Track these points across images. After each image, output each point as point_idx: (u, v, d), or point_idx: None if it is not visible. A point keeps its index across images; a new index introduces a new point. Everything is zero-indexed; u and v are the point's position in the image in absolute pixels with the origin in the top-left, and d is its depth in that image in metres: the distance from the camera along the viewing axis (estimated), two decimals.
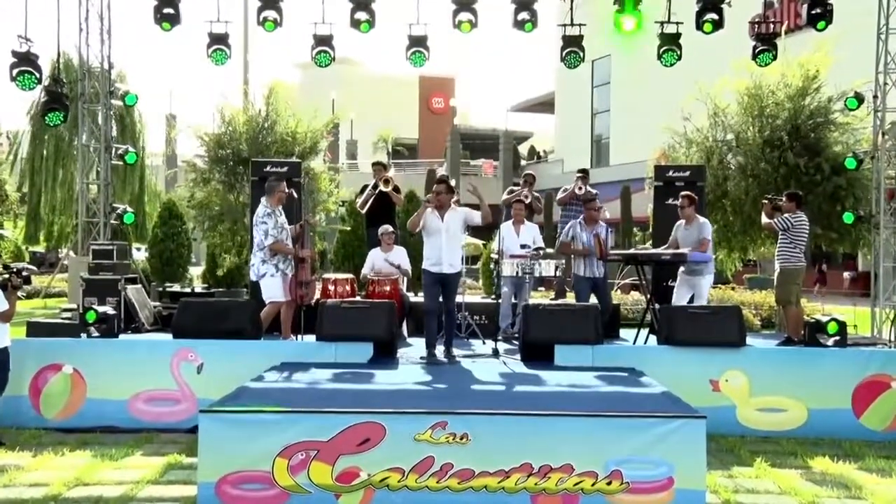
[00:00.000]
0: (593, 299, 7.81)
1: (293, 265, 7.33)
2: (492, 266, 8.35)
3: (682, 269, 7.67)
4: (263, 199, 7.25)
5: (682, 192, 7.93)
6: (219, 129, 11.16)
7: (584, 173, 9.49)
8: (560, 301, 8.81)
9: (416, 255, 11.67)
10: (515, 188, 9.31)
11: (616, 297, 10.14)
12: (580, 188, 9.25)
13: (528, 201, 8.94)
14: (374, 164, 9.49)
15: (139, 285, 9.73)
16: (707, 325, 6.41)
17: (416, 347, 7.84)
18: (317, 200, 9.34)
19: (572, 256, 8.14)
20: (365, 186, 9.35)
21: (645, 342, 7.42)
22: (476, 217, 6.86)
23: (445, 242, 6.79)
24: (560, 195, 9.54)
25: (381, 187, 8.95)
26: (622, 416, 4.43)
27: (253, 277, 7.37)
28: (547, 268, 7.82)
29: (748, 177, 10.54)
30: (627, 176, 24.88)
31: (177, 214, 12.94)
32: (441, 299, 6.86)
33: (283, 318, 7.41)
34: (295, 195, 7.57)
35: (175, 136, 13.02)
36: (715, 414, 5.73)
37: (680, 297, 7.65)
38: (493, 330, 7.82)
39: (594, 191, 9.70)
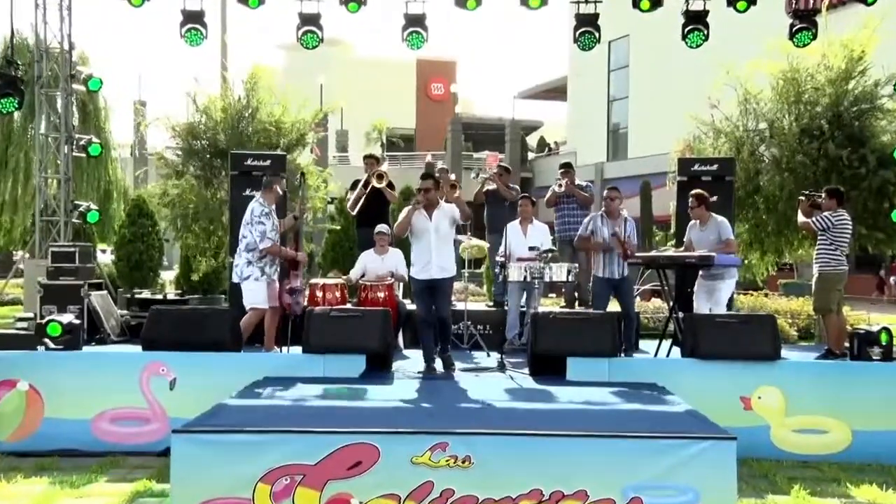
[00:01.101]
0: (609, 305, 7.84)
1: (280, 271, 7.36)
2: (497, 270, 8.37)
3: (700, 273, 7.68)
4: (259, 196, 7.30)
5: (693, 191, 7.93)
6: (193, 118, 11.17)
7: (565, 167, 9.55)
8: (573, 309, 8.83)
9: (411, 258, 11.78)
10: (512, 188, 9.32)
11: (635, 304, 10.13)
12: (560, 185, 9.31)
13: (493, 187, 9.00)
14: (366, 158, 9.52)
15: (104, 292, 9.75)
16: (737, 335, 6.41)
17: (413, 360, 7.84)
18: (304, 197, 9.31)
19: (591, 256, 8.14)
20: (356, 182, 9.37)
21: (667, 355, 7.42)
22: (458, 214, 6.81)
23: (435, 244, 6.75)
24: (547, 195, 9.59)
25: (374, 183, 8.97)
26: (642, 436, 4.43)
27: (235, 279, 7.40)
28: (559, 272, 7.83)
29: (783, 170, 10.54)
30: (647, 170, 24.91)
31: (147, 213, 12.97)
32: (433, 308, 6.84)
33: (267, 328, 7.43)
34: (280, 192, 7.61)
35: (145, 125, 13.00)
36: (746, 435, 5.71)
37: (700, 305, 7.66)
38: (499, 341, 7.86)
39: (584, 182, 9.73)
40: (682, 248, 7.91)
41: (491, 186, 9.39)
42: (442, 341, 6.92)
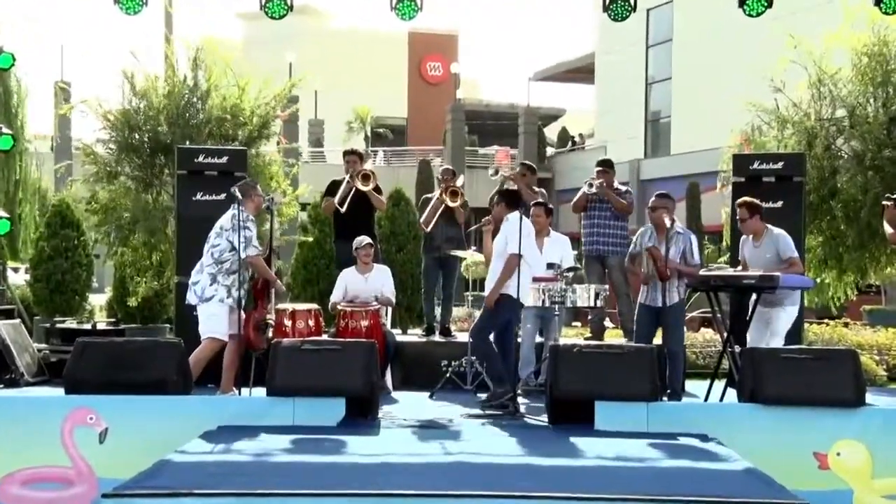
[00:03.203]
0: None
1: (245, 296, 7.40)
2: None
3: (753, 297, 7.69)
4: (240, 206, 7.41)
5: (740, 200, 7.95)
6: (130, 104, 11.17)
7: (604, 166, 9.62)
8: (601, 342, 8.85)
9: (403, 277, 11.85)
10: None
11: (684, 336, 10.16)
12: (590, 184, 9.36)
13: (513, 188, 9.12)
14: (346, 154, 9.57)
15: (17, 321, 9.74)
16: (810, 375, 6.42)
17: (404, 404, 7.85)
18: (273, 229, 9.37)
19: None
20: (334, 184, 9.42)
21: (721, 399, 7.41)
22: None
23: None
24: (575, 198, 9.64)
25: (359, 185, 9.02)
26: (690, 501, 4.43)
27: (192, 300, 7.45)
28: (584, 295, 7.85)
29: (867, 169, 10.59)
30: (695, 169, 24.97)
31: (71, 221, 12.97)
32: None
33: (225, 365, 7.46)
34: (262, 199, 7.73)
35: (68, 112, 13.02)
36: (823, 501, 5.72)
37: (753, 337, 7.67)
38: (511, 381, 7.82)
39: (623, 187, 9.77)
40: (738, 269, 7.92)
41: (511, 185, 9.36)
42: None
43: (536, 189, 9.58)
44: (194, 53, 11.27)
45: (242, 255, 7.26)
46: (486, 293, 7.53)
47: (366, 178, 9.04)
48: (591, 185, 9.37)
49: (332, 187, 9.41)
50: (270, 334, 7.65)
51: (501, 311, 7.37)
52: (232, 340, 7.39)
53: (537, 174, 9.99)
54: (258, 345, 7.48)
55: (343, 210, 9.09)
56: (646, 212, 8.08)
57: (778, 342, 7.60)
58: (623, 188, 9.70)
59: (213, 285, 7.27)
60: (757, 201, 7.90)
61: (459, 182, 9.70)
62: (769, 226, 7.82)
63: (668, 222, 7.67)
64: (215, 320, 7.28)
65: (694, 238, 7.83)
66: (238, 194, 7.40)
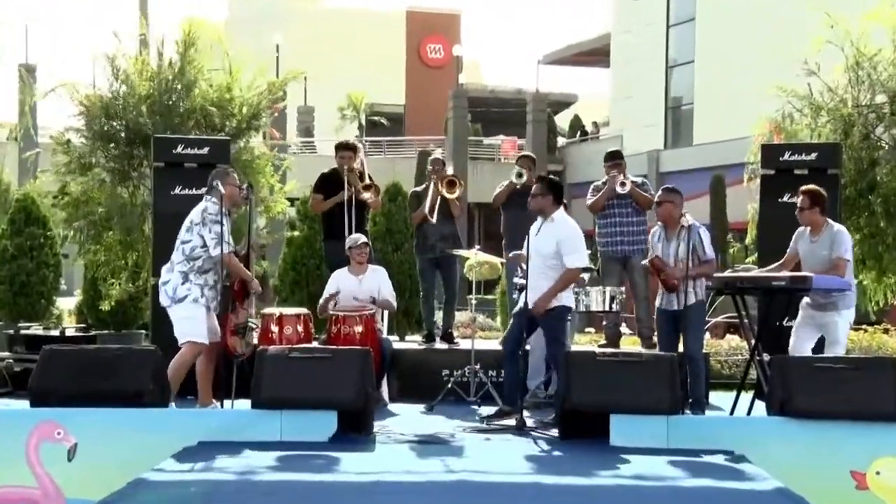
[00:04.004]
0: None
1: (222, 298, 7.39)
2: (514, 296, 8.41)
3: (805, 300, 7.69)
4: (209, 197, 7.40)
5: (804, 187, 7.94)
6: (109, 90, 11.16)
7: (615, 159, 9.61)
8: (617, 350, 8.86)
9: (400, 278, 11.85)
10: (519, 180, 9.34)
11: (705, 342, 10.17)
12: (622, 183, 9.31)
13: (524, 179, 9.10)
14: (339, 147, 9.60)
15: None
16: (846, 386, 6.39)
17: (402, 417, 7.87)
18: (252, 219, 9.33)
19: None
20: (323, 179, 9.46)
21: (749, 412, 7.41)
22: None
23: (533, 265, 7.44)
24: (590, 198, 9.61)
25: (364, 196, 9.09)
26: None
27: (164, 302, 7.44)
28: (597, 299, 7.85)
29: None
30: (720, 160, 25.01)
31: (37, 218, 12.99)
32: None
33: (200, 375, 7.44)
34: (240, 188, 7.68)
35: (35, 98, 13.01)
36: None
37: (802, 344, 7.67)
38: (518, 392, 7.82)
39: (639, 179, 9.76)
40: (777, 265, 7.88)
41: (519, 179, 9.35)
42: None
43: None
44: (183, 35, 11.24)
45: (213, 253, 7.23)
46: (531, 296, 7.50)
47: (367, 188, 9.11)
48: (623, 185, 9.29)
49: (322, 182, 9.43)
50: (255, 340, 7.64)
51: (560, 321, 7.53)
52: (209, 347, 7.36)
53: (536, 164, 9.91)
54: (238, 351, 7.44)
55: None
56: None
57: (839, 351, 7.57)
58: (639, 180, 9.71)
59: (185, 284, 7.25)
60: (823, 192, 7.84)
61: (450, 169, 9.72)
62: (830, 221, 7.79)
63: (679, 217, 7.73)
64: (191, 323, 7.26)
65: (703, 231, 7.80)
66: (211, 184, 7.39)
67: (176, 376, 7.18)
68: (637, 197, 9.32)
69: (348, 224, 9.00)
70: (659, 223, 7.97)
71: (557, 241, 7.38)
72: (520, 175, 9.25)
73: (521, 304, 7.67)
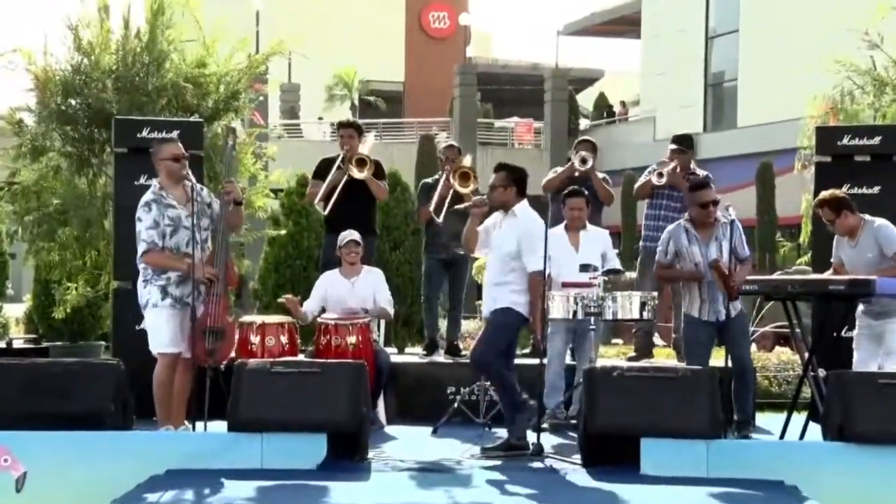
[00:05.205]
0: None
1: (202, 290, 7.30)
2: None
3: (860, 308, 7.66)
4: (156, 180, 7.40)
5: (820, 196, 7.89)
6: (70, 63, 11.12)
7: (680, 144, 9.66)
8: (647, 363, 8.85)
9: (399, 282, 11.82)
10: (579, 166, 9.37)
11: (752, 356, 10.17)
12: (660, 174, 9.32)
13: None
14: (340, 127, 9.59)
15: None
16: None
17: (401, 441, 7.88)
18: (229, 166, 9.22)
19: (681, 287, 8.19)
20: (327, 163, 9.43)
21: (801, 436, 7.39)
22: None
23: (491, 266, 7.51)
24: (641, 181, 9.65)
25: (354, 173, 9.01)
26: None
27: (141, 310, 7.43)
28: (626, 305, 7.83)
29: None
30: (767, 145, 24.98)
31: None
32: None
33: (176, 389, 7.35)
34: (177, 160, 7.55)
35: None
36: None
37: (865, 358, 7.61)
38: (535, 412, 7.82)
39: (703, 171, 9.76)
40: (827, 273, 7.87)
41: (583, 165, 9.42)
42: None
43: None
44: (151, 1, 11.18)
45: (138, 258, 7.17)
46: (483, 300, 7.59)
47: (361, 163, 9.05)
48: (660, 176, 9.36)
49: (322, 168, 9.40)
50: (228, 346, 7.47)
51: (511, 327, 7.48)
52: (183, 360, 7.30)
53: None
54: (211, 359, 7.31)
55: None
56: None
57: (894, 363, 7.53)
58: (701, 173, 9.62)
59: (145, 287, 7.22)
60: (840, 193, 7.79)
61: (467, 161, 9.69)
62: (866, 217, 7.73)
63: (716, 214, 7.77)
64: (153, 332, 7.20)
65: (738, 224, 7.81)
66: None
67: (157, 398, 7.15)
68: (683, 188, 9.25)
69: (349, 215, 8.97)
70: (681, 223, 7.98)
71: (518, 237, 7.32)
72: (584, 161, 9.31)
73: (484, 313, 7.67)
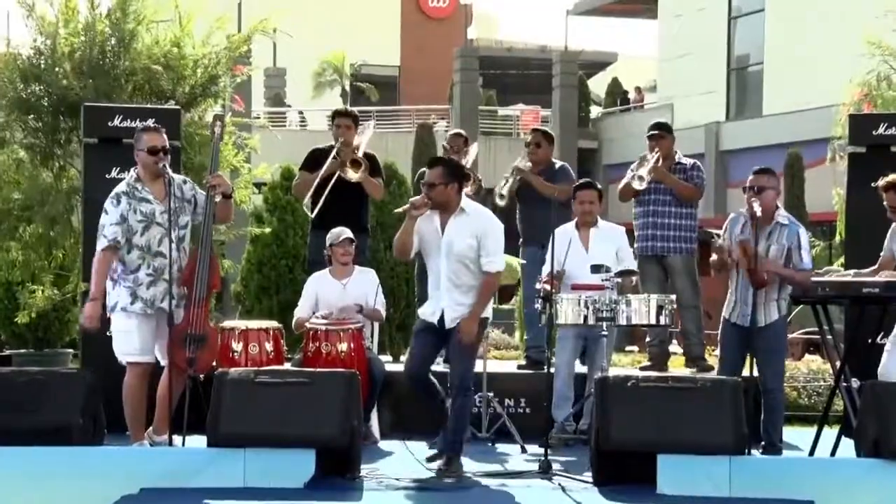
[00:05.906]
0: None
1: (181, 292, 7.31)
2: (537, 305, 8.40)
3: None
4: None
5: (882, 181, 7.83)
6: (29, 46, 11.14)
7: (658, 130, 9.61)
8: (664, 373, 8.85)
9: (393, 283, 11.79)
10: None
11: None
12: (640, 178, 9.25)
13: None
14: (336, 116, 9.59)
15: None
16: None
17: (396, 456, 7.89)
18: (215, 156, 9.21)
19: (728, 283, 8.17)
20: (318, 153, 9.42)
21: (833, 452, 7.40)
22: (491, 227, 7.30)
23: (447, 269, 7.20)
24: (622, 183, 9.60)
25: (350, 175, 9.03)
26: None
27: (108, 313, 7.40)
28: (641, 309, 7.82)
29: None
30: (795, 135, 25.05)
31: None
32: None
33: (158, 398, 7.36)
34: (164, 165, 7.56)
35: None
36: None
37: (894, 366, 7.56)
38: (543, 426, 7.83)
39: (688, 161, 9.71)
40: (870, 271, 7.83)
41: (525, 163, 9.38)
42: (452, 429, 7.18)
43: (563, 169, 9.59)
44: None
45: (98, 247, 7.15)
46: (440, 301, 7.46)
47: (355, 164, 9.06)
48: (641, 180, 9.28)
49: (313, 160, 9.40)
50: (209, 354, 7.47)
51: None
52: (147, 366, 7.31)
53: (552, 144, 9.83)
54: (183, 367, 7.29)
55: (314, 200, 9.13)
56: (726, 194, 8.05)
57: None
58: (688, 162, 9.62)
59: (114, 288, 7.22)
60: None
61: (473, 152, 9.65)
62: None
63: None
64: (119, 337, 7.23)
65: (803, 232, 7.78)
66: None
67: (127, 412, 7.16)
68: (668, 183, 9.26)
69: (339, 211, 8.97)
70: (743, 210, 7.90)
71: (479, 235, 7.21)
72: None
73: (427, 318, 7.47)
